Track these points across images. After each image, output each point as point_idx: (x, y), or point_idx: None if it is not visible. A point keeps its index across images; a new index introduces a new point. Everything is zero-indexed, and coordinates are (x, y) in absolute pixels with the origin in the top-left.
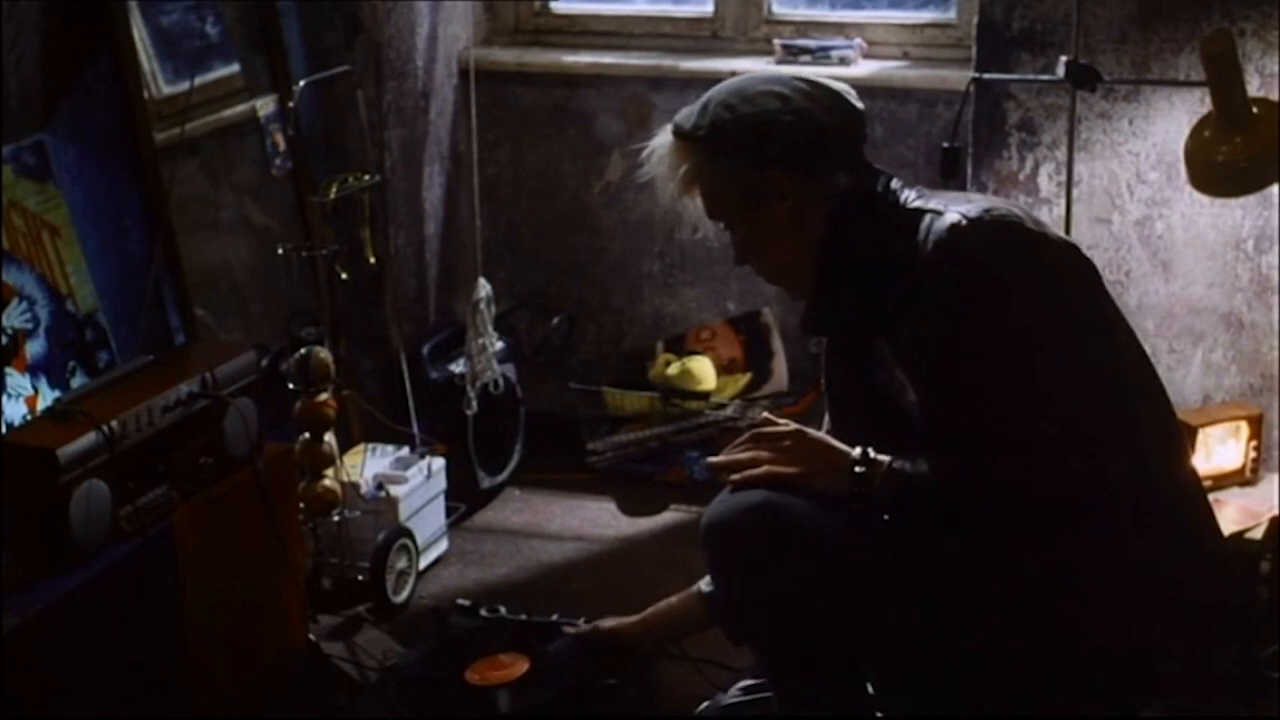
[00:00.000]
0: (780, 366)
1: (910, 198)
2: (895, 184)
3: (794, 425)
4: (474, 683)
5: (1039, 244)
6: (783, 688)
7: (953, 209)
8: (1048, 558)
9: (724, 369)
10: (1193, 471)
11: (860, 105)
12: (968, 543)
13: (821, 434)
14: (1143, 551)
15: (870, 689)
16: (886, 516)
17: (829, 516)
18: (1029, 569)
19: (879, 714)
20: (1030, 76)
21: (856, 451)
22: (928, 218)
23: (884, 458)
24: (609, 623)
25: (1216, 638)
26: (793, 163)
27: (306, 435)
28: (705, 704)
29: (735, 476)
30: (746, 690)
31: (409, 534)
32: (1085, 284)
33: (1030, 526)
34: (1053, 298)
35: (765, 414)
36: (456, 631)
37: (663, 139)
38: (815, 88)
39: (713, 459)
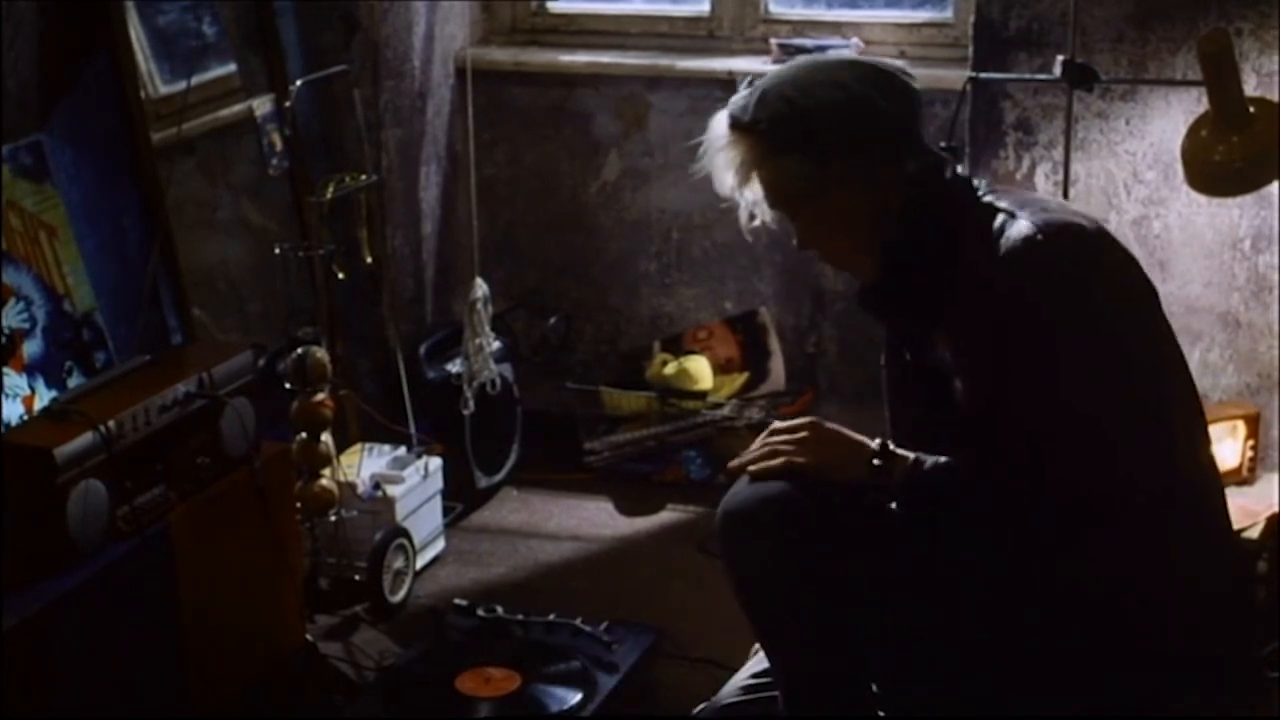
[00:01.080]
0: (777, 366)
1: (982, 190)
2: (961, 171)
3: (810, 418)
4: (463, 692)
5: (1105, 262)
6: (787, 681)
7: (1025, 215)
8: (1071, 560)
9: (721, 368)
10: (1215, 473)
11: (918, 85)
12: (986, 542)
13: (837, 426)
14: (1170, 555)
15: (875, 688)
16: (902, 508)
17: (846, 510)
18: (1051, 570)
19: (881, 714)
20: (1027, 76)
21: (875, 443)
22: (1000, 218)
23: (906, 453)
24: None
25: (1224, 638)
26: (857, 152)
27: (303, 435)
28: (704, 705)
29: (754, 467)
30: (746, 690)
31: (406, 534)
32: (1143, 301)
33: (1057, 528)
34: (1112, 316)
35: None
36: (453, 633)
37: (718, 131)
38: (875, 72)
39: (732, 462)
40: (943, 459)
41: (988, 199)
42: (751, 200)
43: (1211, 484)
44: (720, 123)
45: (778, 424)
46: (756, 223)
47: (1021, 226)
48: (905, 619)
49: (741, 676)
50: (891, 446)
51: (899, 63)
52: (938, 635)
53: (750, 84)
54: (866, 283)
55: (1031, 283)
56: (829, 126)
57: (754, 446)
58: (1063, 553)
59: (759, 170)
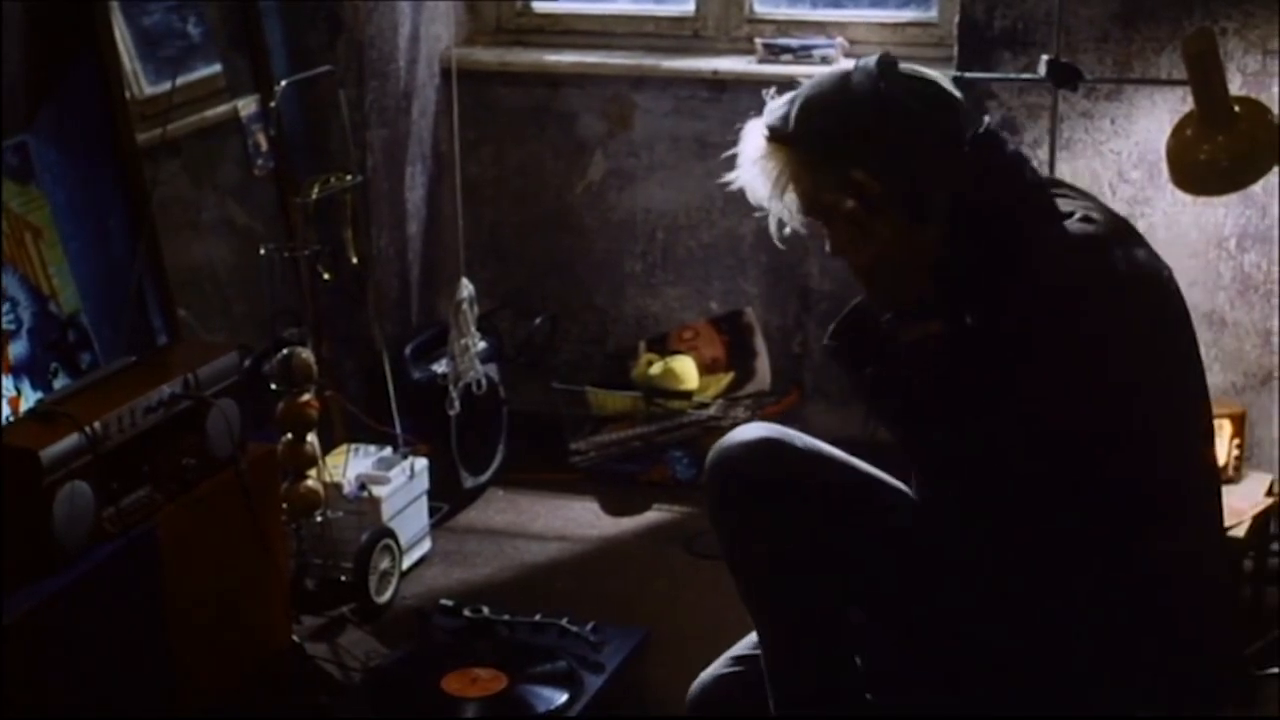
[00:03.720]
0: (763, 366)
1: (1033, 185)
2: (1023, 170)
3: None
4: (450, 692)
5: (1129, 277)
6: (769, 652)
7: (1059, 224)
8: (1063, 556)
9: (706, 368)
10: (1217, 477)
11: (958, 93)
12: (968, 527)
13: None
14: (1155, 559)
15: (860, 663)
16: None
17: (836, 471)
18: (1042, 566)
19: (868, 695)
20: (1012, 75)
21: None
22: (1044, 218)
23: (938, 327)
24: None
25: (1209, 640)
26: (898, 162)
27: (289, 436)
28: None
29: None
30: (736, 660)
31: (392, 534)
32: (1161, 316)
33: (1052, 523)
34: (1136, 335)
35: None
36: (439, 633)
37: (754, 142)
38: (917, 81)
39: None
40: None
41: (1036, 202)
42: (783, 209)
43: (1212, 485)
44: (756, 133)
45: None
46: (787, 230)
47: (1054, 231)
48: (888, 595)
49: (734, 650)
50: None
51: (937, 74)
52: (915, 614)
53: (777, 93)
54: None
55: (1059, 295)
56: (870, 136)
57: None
58: (1054, 548)
59: (797, 182)
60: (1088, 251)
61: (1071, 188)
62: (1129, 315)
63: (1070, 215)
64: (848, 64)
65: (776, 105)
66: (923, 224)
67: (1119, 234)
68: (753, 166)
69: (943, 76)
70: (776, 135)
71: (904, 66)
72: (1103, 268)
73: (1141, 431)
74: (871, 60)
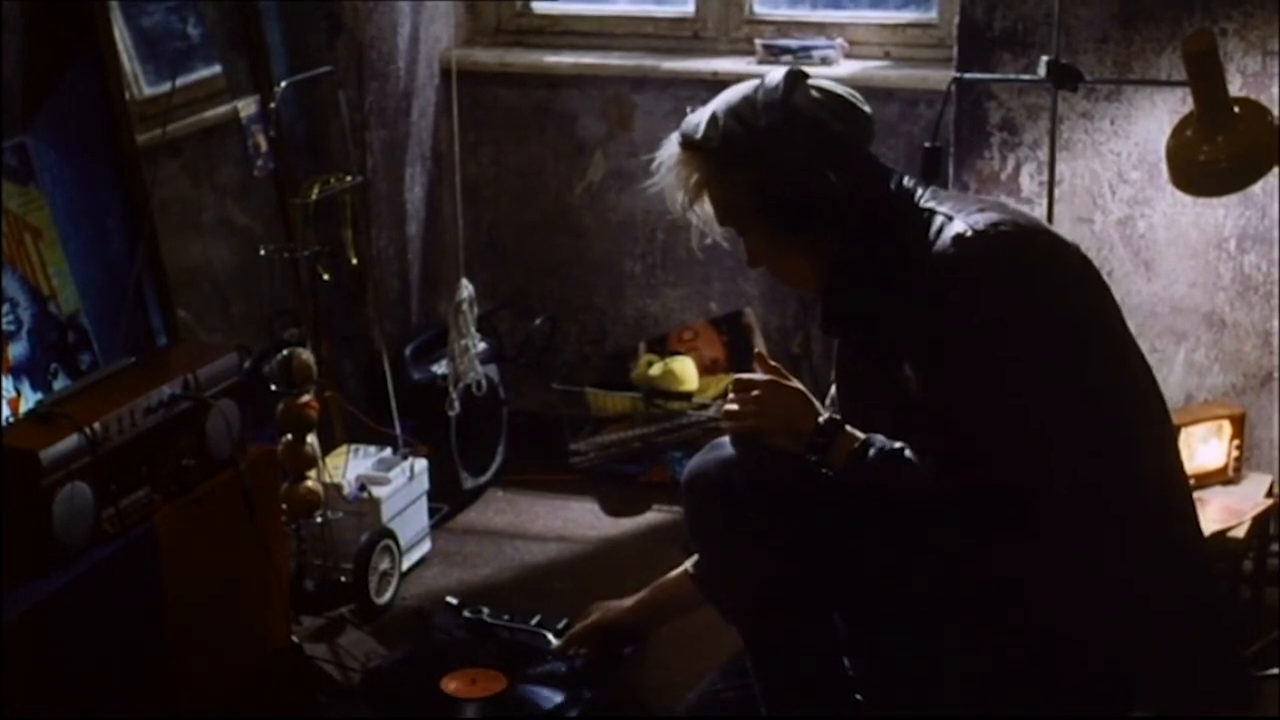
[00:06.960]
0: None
1: (924, 198)
2: (908, 183)
3: (767, 377)
4: (449, 693)
5: (1038, 262)
6: (757, 659)
7: (961, 217)
8: (1020, 562)
9: (706, 369)
10: (1182, 477)
11: (868, 109)
12: (936, 542)
13: (797, 386)
14: (1122, 557)
15: (849, 664)
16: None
17: (809, 475)
18: (1002, 572)
19: (859, 696)
20: (1012, 76)
21: (823, 417)
22: (938, 220)
23: (854, 433)
24: (607, 611)
25: (1198, 641)
26: (805, 169)
27: (289, 436)
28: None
29: (725, 424)
30: (725, 675)
31: (392, 535)
32: (1081, 299)
33: (1003, 530)
34: (1044, 316)
35: (758, 350)
36: (439, 634)
37: (670, 149)
38: (825, 95)
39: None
40: (887, 448)
41: (928, 204)
42: (702, 218)
43: (1171, 489)
44: (672, 143)
45: (741, 376)
46: (708, 241)
47: (955, 227)
48: (870, 593)
49: (717, 671)
50: (839, 419)
51: (849, 90)
52: (897, 624)
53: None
54: (823, 307)
55: (961, 281)
56: (778, 143)
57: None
58: (997, 552)
59: (709, 188)
60: (977, 250)
61: (957, 195)
62: (1029, 306)
63: (954, 212)
64: (764, 77)
65: (692, 116)
66: (824, 232)
67: (1019, 231)
68: (668, 174)
69: (854, 93)
70: (688, 142)
71: (814, 81)
72: (988, 251)
73: (1075, 425)
74: (781, 71)
